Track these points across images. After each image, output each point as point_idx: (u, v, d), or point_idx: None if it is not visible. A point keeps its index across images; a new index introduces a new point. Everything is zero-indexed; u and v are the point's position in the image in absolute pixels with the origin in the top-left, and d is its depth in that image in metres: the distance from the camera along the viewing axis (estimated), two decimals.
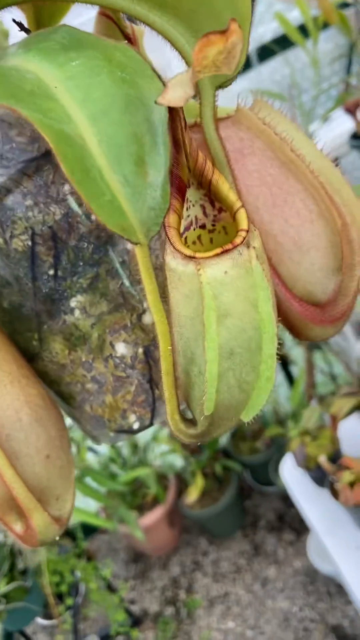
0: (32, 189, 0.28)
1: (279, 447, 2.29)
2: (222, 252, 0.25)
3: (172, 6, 0.25)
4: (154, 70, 0.25)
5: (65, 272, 0.30)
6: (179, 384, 0.26)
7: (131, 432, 0.35)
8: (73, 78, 0.23)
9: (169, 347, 0.25)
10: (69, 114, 0.22)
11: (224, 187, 0.28)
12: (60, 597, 2.19)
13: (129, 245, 0.30)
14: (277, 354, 0.28)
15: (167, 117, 0.24)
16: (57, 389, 0.35)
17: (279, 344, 0.28)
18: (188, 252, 0.26)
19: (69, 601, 2.25)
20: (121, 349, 0.32)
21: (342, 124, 2.09)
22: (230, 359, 0.25)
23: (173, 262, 0.26)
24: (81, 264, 0.30)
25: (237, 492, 2.50)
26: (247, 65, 2.12)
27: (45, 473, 0.28)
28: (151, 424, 0.35)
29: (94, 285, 0.30)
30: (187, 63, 0.28)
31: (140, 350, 0.32)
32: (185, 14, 0.26)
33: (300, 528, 2.47)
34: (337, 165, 0.34)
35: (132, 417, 0.34)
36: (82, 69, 0.23)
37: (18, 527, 0.28)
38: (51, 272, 0.30)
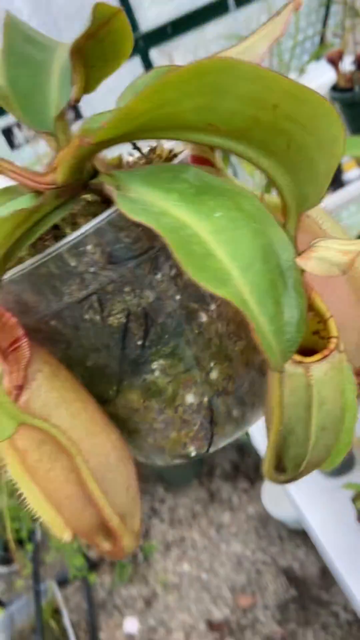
0: (132, 278, 0.33)
1: None
2: (323, 358, 0.32)
3: (280, 156, 0.29)
4: (275, 219, 0.28)
5: (152, 342, 0.36)
6: (277, 445, 0.35)
7: (188, 458, 0.41)
8: (221, 232, 0.26)
9: (280, 428, 0.33)
10: (228, 270, 0.25)
11: (317, 297, 0.33)
12: (20, 543, 2.22)
13: (203, 319, 0.37)
14: None
15: (294, 261, 0.28)
16: (122, 425, 0.39)
17: None
18: (298, 357, 0.32)
19: (29, 547, 2.28)
20: (190, 399, 0.38)
21: (320, 76, 2.07)
22: (322, 432, 0.34)
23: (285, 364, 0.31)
24: (166, 336, 0.36)
25: None
26: (224, 9, 2.04)
27: (127, 501, 0.35)
28: (207, 452, 0.41)
29: (174, 352, 0.36)
30: (283, 199, 0.32)
31: (206, 399, 0.38)
32: (289, 163, 0.29)
33: (254, 477, 2.56)
34: None
35: (192, 448, 0.40)
36: (226, 221, 0.27)
37: (106, 545, 0.35)
38: (139, 342, 0.35)
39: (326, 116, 0.26)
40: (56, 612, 2.31)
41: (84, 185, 0.33)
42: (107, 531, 0.34)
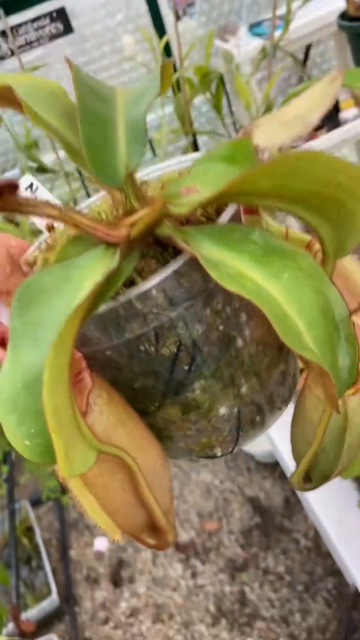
0: (186, 315, 0.37)
1: None
2: (356, 392, 0.37)
3: (329, 217, 0.32)
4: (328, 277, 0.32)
5: (197, 367, 0.40)
6: (310, 462, 0.39)
7: (213, 457, 0.45)
8: (290, 292, 0.30)
9: (317, 449, 0.38)
10: (299, 328, 0.29)
11: None
12: None
13: (240, 344, 0.40)
14: None
15: (347, 315, 0.31)
16: (157, 432, 0.43)
17: None
18: None
19: (4, 469, 2.33)
20: (223, 411, 0.42)
21: (329, 3, 1.97)
22: (349, 450, 0.39)
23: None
24: (209, 360, 0.40)
25: None
26: None
27: (168, 501, 0.40)
28: (231, 452, 0.45)
29: (214, 373, 0.41)
30: (323, 247, 0.35)
31: (236, 410, 0.43)
32: (336, 221, 0.32)
33: None
34: None
35: (218, 450, 0.45)
36: (292, 282, 0.30)
37: (151, 541, 0.39)
38: (186, 367, 0.39)
39: None
40: (29, 530, 2.41)
41: (152, 237, 0.35)
42: (154, 529, 0.39)
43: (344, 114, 1.97)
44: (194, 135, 2.00)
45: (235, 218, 0.37)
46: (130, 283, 0.36)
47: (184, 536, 2.25)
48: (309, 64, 2.33)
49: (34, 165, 2.01)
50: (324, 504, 1.36)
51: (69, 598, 2.09)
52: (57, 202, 0.45)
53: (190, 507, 2.38)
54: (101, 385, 0.37)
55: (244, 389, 0.43)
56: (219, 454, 0.45)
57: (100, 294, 0.31)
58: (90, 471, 0.32)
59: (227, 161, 0.32)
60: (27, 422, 0.27)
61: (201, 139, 2.29)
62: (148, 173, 0.49)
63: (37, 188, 0.48)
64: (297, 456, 0.42)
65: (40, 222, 0.46)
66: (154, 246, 0.37)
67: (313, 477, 0.40)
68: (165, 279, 0.34)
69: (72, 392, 0.29)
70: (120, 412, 0.38)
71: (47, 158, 2.14)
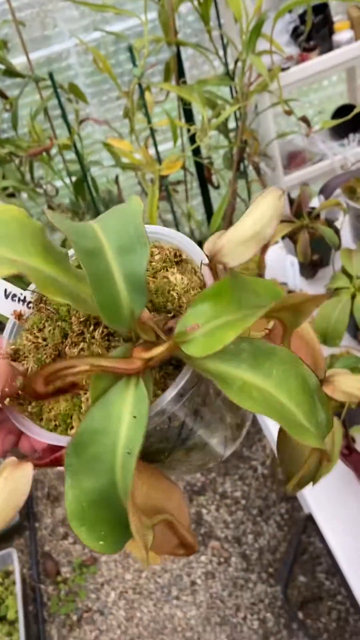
0: (190, 397, 0.43)
1: None
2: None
3: (285, 312, 0.43)
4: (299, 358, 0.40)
5: (199, 423, 0.47)
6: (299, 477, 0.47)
7: (206, 469, 0.55)
8: (280, 385, 0.37)
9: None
10: (292, 410, 0.37)
11: None
12: None
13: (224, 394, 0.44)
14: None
15: (318, 382, 0.39)
16: (163, 469, 0.49)
17: None
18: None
19: None
20: (214, 440, 0.51)
21: None
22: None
23: None
24: (207, 417, 0.47)
25: None
26: None
27: (188, 521, 0.47)
28: (221, 460, 0.55)
29: (210, 420, 0.48)
30: (284, 327, 0.44)
31: (224, 435, 0.52)
32: (292, 313, 0.43)
33: None
34: None
35: (211, 464, 0.54)
36: (279, 375, 0.38)
37: (181, 551, 0.45)
38: (190, 427, 0.46)
39: (324, 298, 0.42)
40: None
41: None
42: (183, 545, 0.46)
43: (338, 36, 1.85)
44: (178, 47, 1.86)
45: None
46: None
47: None
48: None
49: (1, 67, 1.84)
50: None
51: (29, 515, 2.13)
52: (20, 291, 0.49)
53: None
54: None
55: (228, 419, 0.51)
56: (211, 465, 0.55)
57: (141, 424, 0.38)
58: None
59: (216, 298, 0.40)
60: (97, 530, 0.35)
61: (185, 53, 2.14)
62: None
63: (10, 292, 0.49)
64: (288, 470, 0.50)
65: (5, 310, 0.48)
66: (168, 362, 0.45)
67: (300, 485, 0.49)
68: (181, 386, 0.41)
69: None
70: (147, 477, 0.44)
71: (17, 60, 1.97)
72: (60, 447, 0.41)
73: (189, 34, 2.16)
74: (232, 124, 2.12)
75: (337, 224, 1.33)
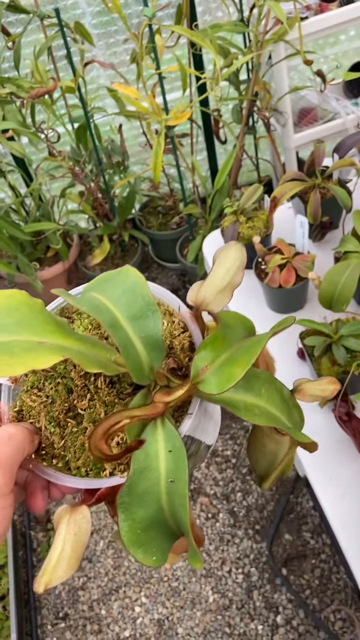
0: (198, 417, 0.49)
1: (189, 227, 2.28)
2: None
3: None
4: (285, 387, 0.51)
5: (194, 439, 0.50)
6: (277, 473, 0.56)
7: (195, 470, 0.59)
8: (268, 400, 0.47)
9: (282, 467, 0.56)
10: (282, 418, 0.48)
11: None
12: None
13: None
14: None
15: (289, 392, 0.51)
16: None
17: None
18: None
19: None
20: (203, 446, 0.54)
21: None
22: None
23: None
24: (205, 425, 0.52)
25: (139, 263, 2.53)
26: None
27: (193, 519, 0.50)
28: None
29: (202, 435, 0.52)
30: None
31: (210, 441, 0.57)
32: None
33: None
34: None
35: (199, 464, 0.57)
36: (266, 393, 0.47)
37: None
38: (190, 442, 0.49)
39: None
40: None
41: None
42: (196, 541, 0.48)
43: None
44: None
45: None
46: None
47: None
48: None
49: (5, 1, 1.74)
50: None
51: None
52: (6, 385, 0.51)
53: None
54: None
55: (210, 426, 0.55)
56: (199, 465, 0.61)
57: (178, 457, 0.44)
58: None
59: (212, 343, 0.47)
60: (150, 550, 0.42)
61: None
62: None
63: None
64: (259, 467, 0.56)
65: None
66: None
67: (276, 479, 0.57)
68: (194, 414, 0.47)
69: None
70: None
71: None
72: (97, 489, 0.46)
73: None
74: (243, 75, 2.03)
75: (350, 185, 1.29)
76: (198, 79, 1.82)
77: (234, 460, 2.04)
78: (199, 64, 2.02)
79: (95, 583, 1.85)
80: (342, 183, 1.28)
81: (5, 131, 1.78)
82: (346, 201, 1.16)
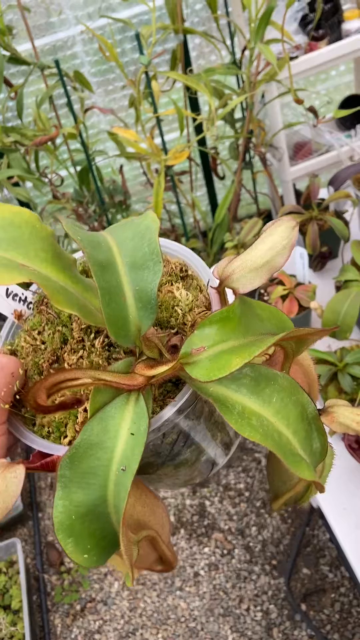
0: (186, 416, 0.43)
1: None
2: None
3: (291, 342, 0.43)
4: (302, 388, 0.39)
5: (190, 441, 0.47)
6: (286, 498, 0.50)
7: (192, 485, 0.55)
8: (279, 412, 0.37)
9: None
10: (289, 437, 0.37)
11: None
12: None
13: (218, 412, 0.45)
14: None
15: (316, 411, 0.39)
16: (149, 481, 0.51)
17: None
18: None
19: None
20: (204, 458, 0.51)
21: None
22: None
23: None
24: (199, 435, 0.47)
25: None
26: None
27: (169, 537, 0.48)
28: (208, 476, 0.55)
29: (202, 439, 0.48)
30: (286, 352, 0.44)
31: (213, 454, 0.52)
32: (295, 340, 0.42)
33: None
34: None
35: (197, 479, 0.54)
36: (279, 403, 0.38)
37: (159, 567, 0.47)
38: (182, 444, 0.46)
39: (327, 333, 0.42)
40: None
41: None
42: (162, 561, 0.47)
43: (347, 25, 1.82)
44: (185, 35, 1.83)
45: None
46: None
47: None
48: None
49: (6, 54, 1.82)
50: None
51: (32, 504, 2.14)
52: (22, 290, 0.48)
53: None
54: None
55: (219, 439, 0.51)
56: (197, 482, 0.55)
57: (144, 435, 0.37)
58: None
59: (223, 322, 0.39)
60: (83, 543, 0.35)
61: (192, 42, 2.12)
62: None
63: (11, 292, 0.49)
64: (275, 488, 0.50)
65: (6, 309, 0.48)
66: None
67: (287, 504, 0.51)
68: (181, 404, 0.40)
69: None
70: (134, 490, 0.44)
71: (22, 48, 1.94)
72: (48, 455, 0.40)
73: (197, 22, 2.13)
74: (238, 114, 2.10)
75: (347, 215, 1.32)
76: (195, 119, 1.88)
77: (247, 494, 2.02)
78: (195, 105, 2.09)
79: (111, 626, 1.81)
80: (339, 214, 1.31)
81: (10, 177, 1.83)
82: (343, 232, 1.19)
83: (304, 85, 2.25)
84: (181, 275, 0.48)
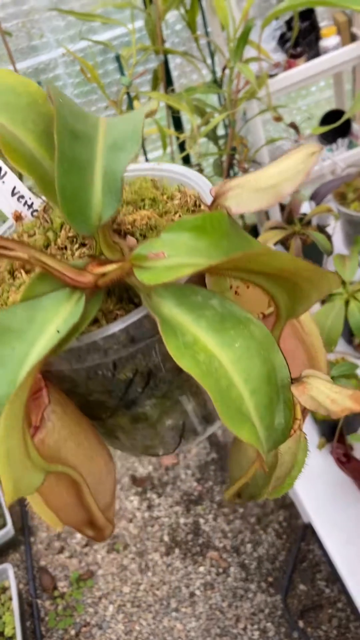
0: (145, 349, 0.38)
1: None
2: (289, 436, 0.36)
3: (286, 289, 0.35)
4: (277, 341, 0.34)
5: (150, 389, 0.42)
6: (240, 488, 0.42)
7: (156, 456, 0.49)
8: (239, 361, 0.32)
9: (247, 481, 0.41)
10: (242, 395, 0.31)
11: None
12: None
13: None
14: None
15: (289, 381, 0.34)
16: (107, 433, 0.47)
17: None
18: None
19: None
20: (169, 422, 0.46)
21: None
22: (276, 481, 0.40)
23: None
24: (162, 384, 0.42)
25: None
26: None
27: (109, 501, 0.44)
28: (172, 453, 0.50)
29: (165, 394, 0.43)
30: (277, 309, 0.37)
31: (181, 422, 0.47)
32: (292, 294, 0.35)
33: None
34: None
35: (160, 450, 0.49)
36: (243, 351, 0.32)
37: (90, 533, 0.42)
38: (139, 389, 0.42)
39: (330, 280, 0.34)
40: None
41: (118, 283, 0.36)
42: (93, 525, 0.42)
43: (324, 42, 1.86)
44: (166, 56, 1.86)
45: (199, 275, 0.38)
46: (94, 320, 0.37)
47: (142, 470, 2.28)
48: None
49: None
50: None
51: (24, 529, 2.11)
52: (31, 195, 0.46)
53: None
54: (57, 400, 0.39)
55: (190, 406, 0.46)
56: (160, 453, 0.49)
57: (64, 339, 0.32)
58: None
59: (197, 231, 0.33)
60: None
61: (173, 62, 2.15)
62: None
63: (5, 173, 0.46)
64: (232, 476, 0.44)
65: (7, 208, 0.46)
66: (120, 285, 0.38)
67: (243, 496, 0.43)
68: (130, 323, 0.36)
69: (27, 412, 0.32)
70: (73, 425, 0.40)
71: None
72: None
73: (177, 42, 2.16)
74: (221, 131, 2.12)
75: (329, 229, 1.33)
76: (178, 137, 1.90)
77: (241, 510, 2.00)
78: (178, 123, 2.11)
79: None
80: (321, 228, 1.32)
81: None
82: (326, 246, 1.20)
83: (285, 101, 2.28)
84: (192, 209, 0.45)
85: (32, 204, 0.47)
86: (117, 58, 1.62)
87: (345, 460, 1.01)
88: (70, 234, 0.42)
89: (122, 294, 0.39)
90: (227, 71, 1.80)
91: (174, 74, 2.18)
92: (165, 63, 1.87)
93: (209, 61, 1.97)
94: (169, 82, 1.97)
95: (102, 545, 2.02)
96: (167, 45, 2.08)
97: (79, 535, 2.07)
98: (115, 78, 2.16)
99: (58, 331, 0.31)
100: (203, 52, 1.87)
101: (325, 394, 0.37)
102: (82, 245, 0.41)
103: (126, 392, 0.42)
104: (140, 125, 0.39)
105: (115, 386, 0.41)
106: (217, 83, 1.91)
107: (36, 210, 0.47)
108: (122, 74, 1.66)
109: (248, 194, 0.36)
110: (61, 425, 0.38)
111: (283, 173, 0.36)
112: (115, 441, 0.49)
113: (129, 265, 0.33)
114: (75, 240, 0.41)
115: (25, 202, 0.47)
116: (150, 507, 2.11)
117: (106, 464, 0.43)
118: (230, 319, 0.33)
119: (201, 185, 0.44)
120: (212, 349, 0.32)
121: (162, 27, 1.83)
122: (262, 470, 0.35)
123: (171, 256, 0.32)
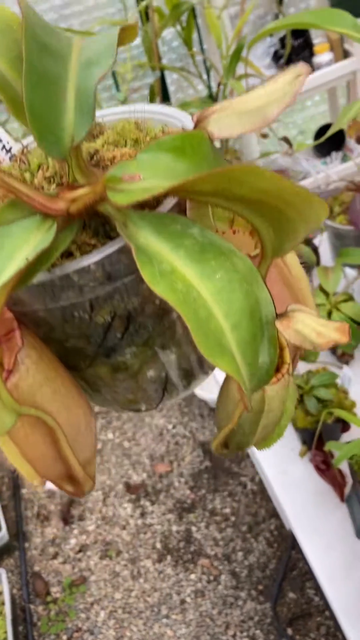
0: (123, 289, 0.37)
1: None
2: (277, 381, 0.37)
3: (270, 221, 0.32)
4: (262, 277, 0.33)
5: (130, 335, 0.40)
6: (227, 435, 0.41)
7: (138, 411, 0.48)
8: (220, 293, 0.30)
9: (234, 427, 0.40)
10: (222, 328, 0.30)
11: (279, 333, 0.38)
12: None
13: (174, 316, 0.41)
14: None
15: (273, 318, 0.32)
16: (87, 385, 0.45)
17: None
18: None
19: None
20: (151, 373, 0.44)
21: None
22: (264, 429, 0.40)
23: None
24: (142, 330, 0.41)
25: None
26: None
27: (89, 455, 0.43)
28: (154, 408, 0.48)
29: (146, 342, 0.41)
30: (263, 245, 0.35)
31: (163, 374, 0.45)
32: (277, 225, 0.33)
33: None
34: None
35: (142, 405, 0.47)
36: (224, 283, 0.30)
37: (70, 488, 0.42)
38: (119, 335, 0.40)
39: (316, 207, 0.31)
40: None
41: (94, 210, 0.34)
42: (72, 479, 0.41)
43: (318, 58, 1.90)
44: (162, 71, 1.91)
45: (179, 205, 0.36)
46: (68, 254, 0.37)
47: (135, 478, 2.30)
48: (286, 1, 2.23)
49: None
50: (269, 453, 1.40)
51: (19, 534, 2.13)
52: (9, 139, 0.45)
53: (142, 450, 2.42)
54: (32, 344, 0.38)
55: (173, 356, 0.45)
56: (142, 409, 0.48)
57: (33, 267, 0.31)
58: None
59: (176, 152, 0.31)
60: None
61: (170, 77, 2.19)
62: (103, 115, 0.48)
63: None
64: (218, 424, 0.44)
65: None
66: (96, 217, 0.36)
67: (230, 446, 0.42)
68: (104, 256, 0.34)
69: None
70: (49, 370, 0.39)
71: None
72: None
73: (174, 58, 2.21)
74: (215, 144, 2.16)
75: (315, 241, 1.36)
76: None
77: (233, 518, 2.02)
78: None
79: None
80: (308, 240, 1.35)
81: None
82: (311, 258, 1.23)
83: (280, 116, 2.32)
84: None
85: (10, 148, 0.46)
86: (113, 74, 1.67)
87: (324, 468, 1.03)
88: (47, 174, 0.40)
89: (99, 228, 0.37)
90: (221, 87, 1.85)
91: (171, 88, 2.23)
92: (162, 78, 1.91)
93: (205, 77, 2.01)
94: (165, 96, 2.02)
95: (95, 552, 2.04)
96: (165, 61, 2.13)
97: (72, 541, 2.09)
98: (112, 94, 2.21)
99: (27, 259, 0.30)
100: (199, 67, 1.92)
101: (311, 327, 0.36)
102: (60, 185, 0.39)
103: (105, 337, 0.40)
104: (114, 40, 0.36)
105: (93, 331, 0.40)
106: (212, 98, 1.96)
107: (14, 155, 0.46)
108: (117, 89, 1.70)
109: (232, 118, 0.34)
110: (36, 369, 0.37)
111: (269, 95, 0.34)
112: (96, 395, 0.47)
113: (102, 188, 0.30)
114: (52, 180, 0.40)
115: (3, 147, 0.46)
116: (143, 515, 2.13)
117: (85, 415, 0.42)
118: (211, 250, 0.31)
119: (186, 123, 0.41)
120: (190, 278, 0.30)
121: (159, 44, 1.88)
122: (246, 410, 0.32)
123: (147, 178, 0.30)
